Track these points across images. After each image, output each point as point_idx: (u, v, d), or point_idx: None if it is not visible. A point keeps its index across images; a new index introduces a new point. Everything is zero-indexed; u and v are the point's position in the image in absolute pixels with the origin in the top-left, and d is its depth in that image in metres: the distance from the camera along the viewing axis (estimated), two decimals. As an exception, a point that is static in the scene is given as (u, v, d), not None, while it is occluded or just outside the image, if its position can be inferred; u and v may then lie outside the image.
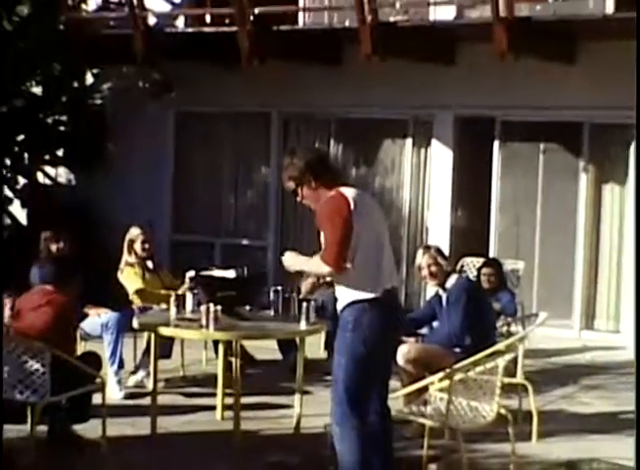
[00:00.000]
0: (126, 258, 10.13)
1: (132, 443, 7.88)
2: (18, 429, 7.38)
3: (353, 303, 6.28)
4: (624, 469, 7.40)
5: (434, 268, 8.43)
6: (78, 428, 7.66)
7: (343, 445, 6.26)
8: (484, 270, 10.53)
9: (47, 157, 14.53)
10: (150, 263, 10.20)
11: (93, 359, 7.88)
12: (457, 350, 8.06)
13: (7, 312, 7.70)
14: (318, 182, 6.42)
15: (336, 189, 6.35)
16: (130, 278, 10.02)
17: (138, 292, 9.91)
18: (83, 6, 14.63)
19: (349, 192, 6.33)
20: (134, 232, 10.19)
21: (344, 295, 6.34)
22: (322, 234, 6.31)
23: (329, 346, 10.16)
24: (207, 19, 14.16)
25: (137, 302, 9.81)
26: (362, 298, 6.25)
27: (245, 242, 14.38)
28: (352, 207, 6.24)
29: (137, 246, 10.11)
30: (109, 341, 9.28)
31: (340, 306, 6.39)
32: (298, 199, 6.55)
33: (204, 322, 7.94)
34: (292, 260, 6.59)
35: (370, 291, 6.26)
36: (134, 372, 9.55)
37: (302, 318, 8.09)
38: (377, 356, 6.36)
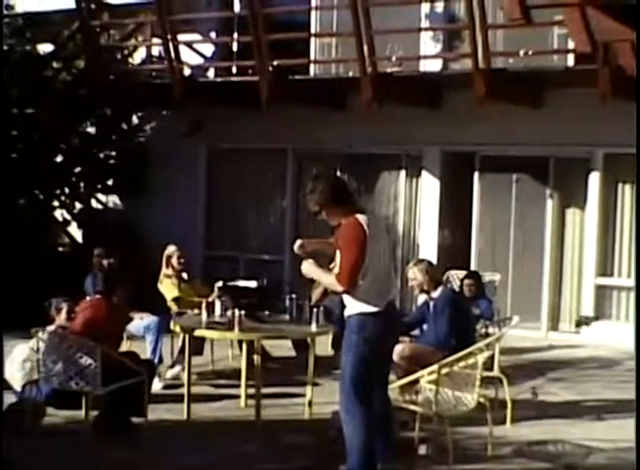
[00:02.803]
0: (164, 270, 10.12)
1: (169, 425, 7.85)
2: (72, 414, 7.41)
3: (360, 314, 6.23)
4: (584, 448, 7.35)
5: (416, 282, 8.49)
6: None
7: (350, 428, 6.22)
8: (466, 281, 10.51)
9: (99, 186, 14.56)
10: (185, 275, 10.19)
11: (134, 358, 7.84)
12: (443, 349, 8.03)
13: (63, 316, 7.70)
14: (338, 205, 6.32)
15: (353, 215, 6.24)
16: (168, 288, 10.01)
17: (175, 299, 9.90)
18: (130, 60, 14.72)
19: (364, 218, 6.23)
20: (171, 249, 10.19)
21: (353, 306, 6.27)
22: (339, 255, 6.21)
23: (335, 345, 10.13)
24: (234, 70, 14.20)
25: (174, 307, 9.80)
26: (368, 311, 6.20)
27: (265, 257, 14.36)
28: (366, 232, 6.16)
29: (174, 260, 10.10)
30: (150, 340, 9.28)
31: (347, 313, 6.32)
32: (320, 218, 6.47)
33: (230, 325, 7.93)
34: (309, 270, 6.47)
35: (375, 305, 6.21)
36: (172, 367, 9.51)
37: (313, 322, 8.07)
38: (377, 355, 6.32)
